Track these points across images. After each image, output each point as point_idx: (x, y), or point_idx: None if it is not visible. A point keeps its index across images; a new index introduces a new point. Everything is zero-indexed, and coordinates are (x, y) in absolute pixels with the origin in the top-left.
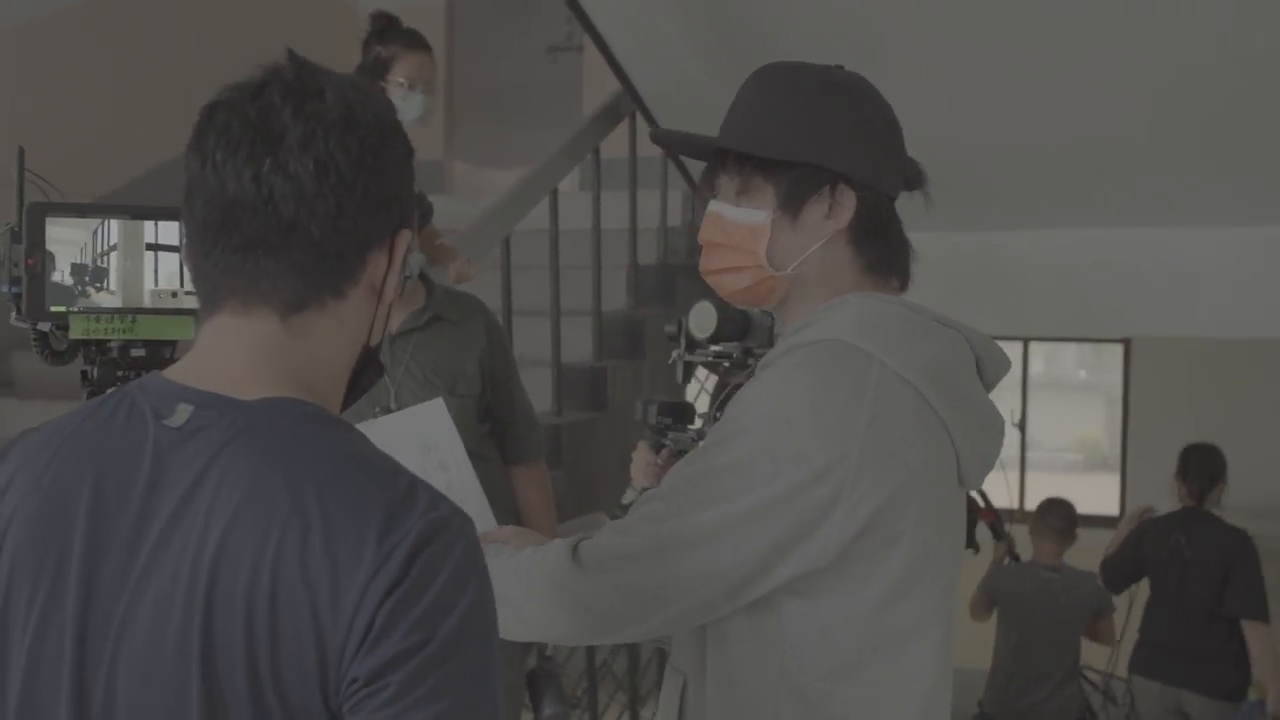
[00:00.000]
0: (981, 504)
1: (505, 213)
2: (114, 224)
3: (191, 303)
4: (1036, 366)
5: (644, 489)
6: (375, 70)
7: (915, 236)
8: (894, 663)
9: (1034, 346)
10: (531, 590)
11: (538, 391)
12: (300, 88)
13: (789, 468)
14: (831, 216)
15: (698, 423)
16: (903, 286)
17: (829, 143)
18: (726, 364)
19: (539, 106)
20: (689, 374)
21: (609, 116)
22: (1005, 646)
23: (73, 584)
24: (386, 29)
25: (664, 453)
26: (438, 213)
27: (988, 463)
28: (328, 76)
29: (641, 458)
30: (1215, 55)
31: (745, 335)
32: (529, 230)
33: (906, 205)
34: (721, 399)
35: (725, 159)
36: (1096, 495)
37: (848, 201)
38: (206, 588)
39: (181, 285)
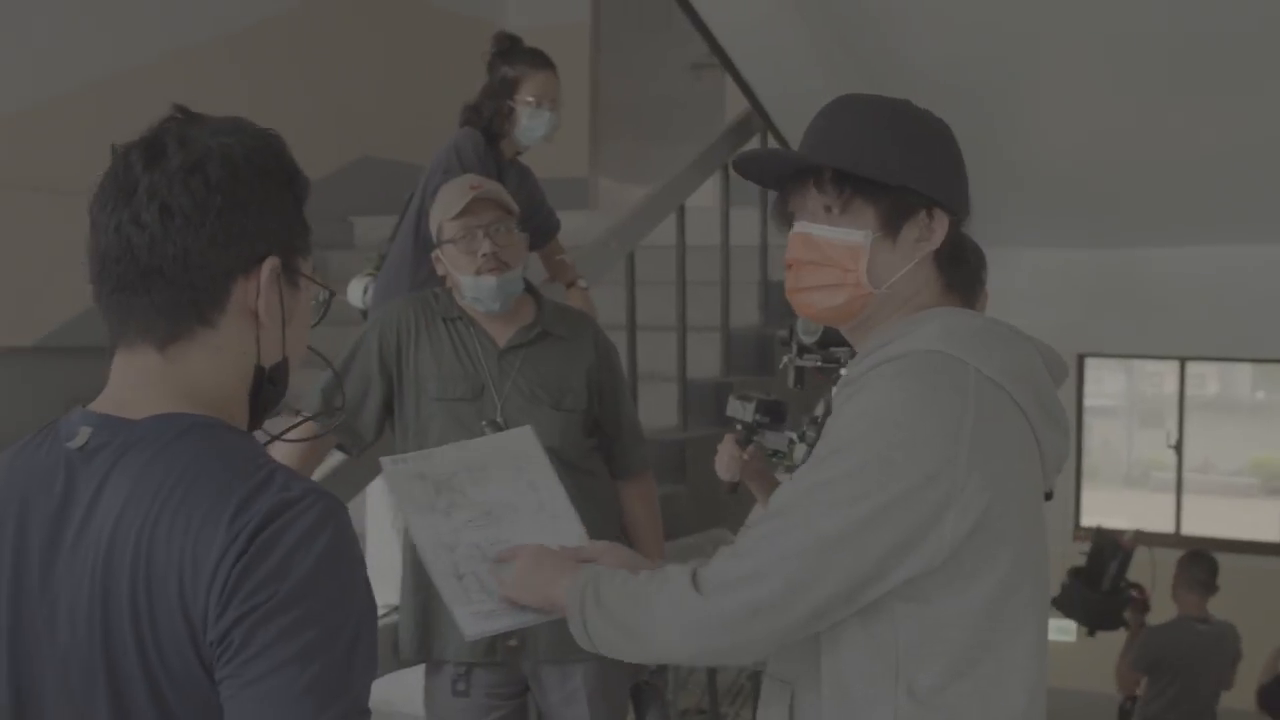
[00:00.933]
0: (1135, 590)
1: (630, 229)
2: None
3: None
4: (1211, 387)
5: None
6: (503, 90)
7: (1059, 253)
8: (1004, 656)
9: (1207, 367)
10: (654, 618)
11: (663, 406)
12: (154, 142)
13: (902, 472)
14: (924, 239)
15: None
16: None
17: (923, 168)
18: (840, 369)
19: (682, 123)
20: (800, 378)
21: (740, 132)
22: (1159, 701)
23: (4, 597)
24: (510, 49)
25: (750, 449)
26: (581, 229)
27: (1061, 461)
28: (189, 126)
29: (726, 451)
30: None
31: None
32: (659, 246)
33: (1049, 221)
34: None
35: (819, 179)
36: (1268, 520)
37: (940, 226)
38: (103, 577)
39: None
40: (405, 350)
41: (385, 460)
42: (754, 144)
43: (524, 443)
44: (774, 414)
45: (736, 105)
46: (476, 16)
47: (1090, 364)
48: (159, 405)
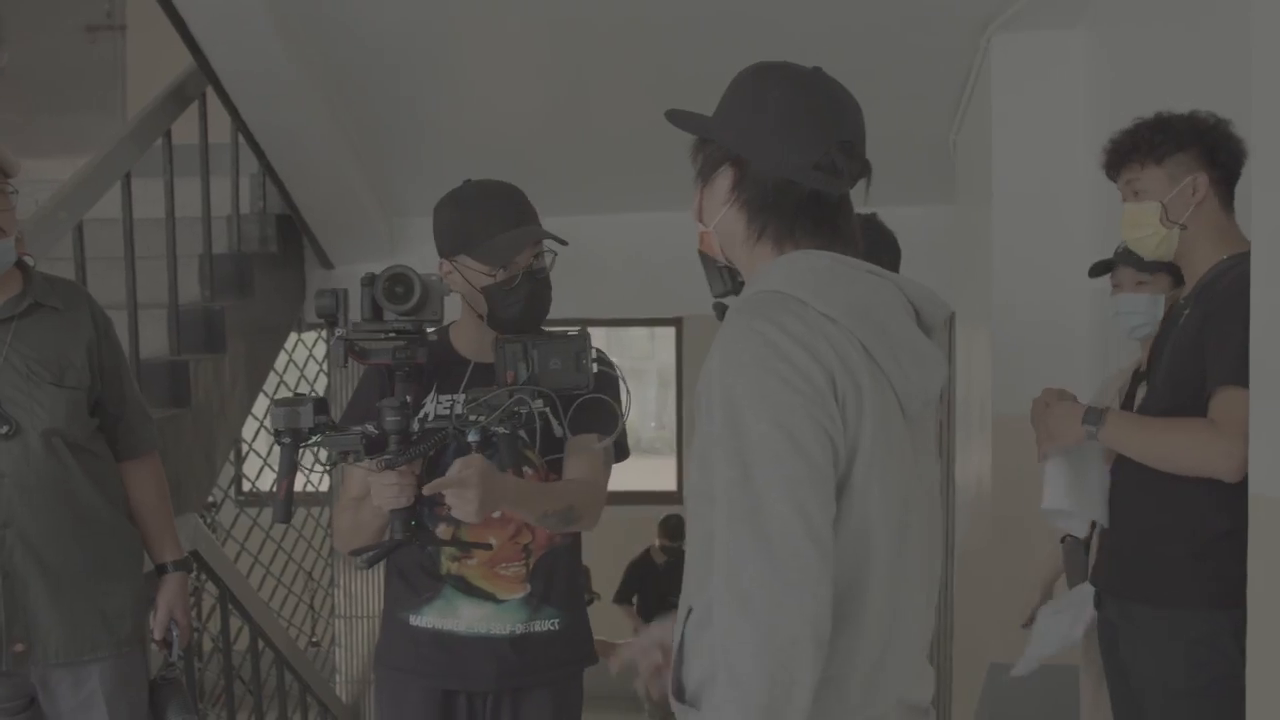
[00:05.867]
0: None
1: (76, 199)
2: None
3: None
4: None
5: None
6: None
7: None
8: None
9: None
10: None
11: None
12: None
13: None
14: (734, 187)
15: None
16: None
17: (734, 125)
18: (392, 336)
19: (76, 90)
20: (350, 354)
21: (177, 98)
22: None
23: None
24: None
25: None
26: None
27: (925, 394)
28: None
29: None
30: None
31: (422, 308)
32: (90, 220)
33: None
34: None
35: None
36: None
37: (740, 174)
38: None
39: None
40: None
41: None
42: (194, 110)
43: None
44: (327, 410)
45: (138, 71)
46: None
47: None
48: None
